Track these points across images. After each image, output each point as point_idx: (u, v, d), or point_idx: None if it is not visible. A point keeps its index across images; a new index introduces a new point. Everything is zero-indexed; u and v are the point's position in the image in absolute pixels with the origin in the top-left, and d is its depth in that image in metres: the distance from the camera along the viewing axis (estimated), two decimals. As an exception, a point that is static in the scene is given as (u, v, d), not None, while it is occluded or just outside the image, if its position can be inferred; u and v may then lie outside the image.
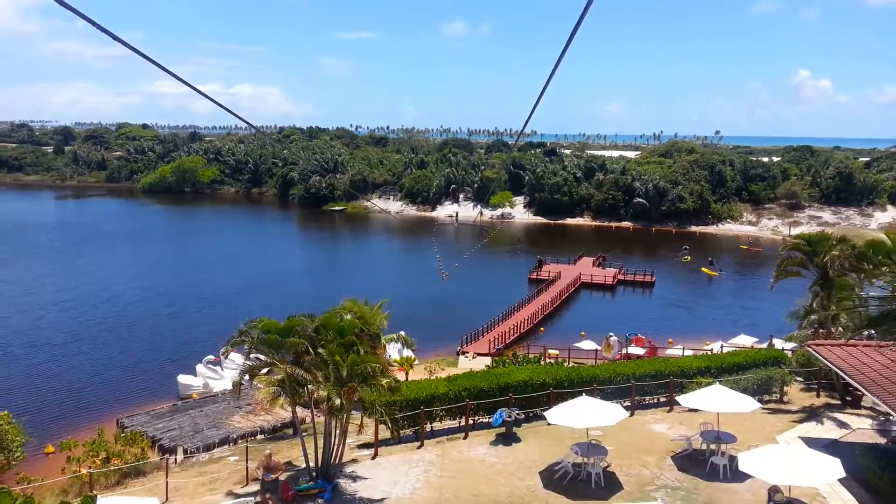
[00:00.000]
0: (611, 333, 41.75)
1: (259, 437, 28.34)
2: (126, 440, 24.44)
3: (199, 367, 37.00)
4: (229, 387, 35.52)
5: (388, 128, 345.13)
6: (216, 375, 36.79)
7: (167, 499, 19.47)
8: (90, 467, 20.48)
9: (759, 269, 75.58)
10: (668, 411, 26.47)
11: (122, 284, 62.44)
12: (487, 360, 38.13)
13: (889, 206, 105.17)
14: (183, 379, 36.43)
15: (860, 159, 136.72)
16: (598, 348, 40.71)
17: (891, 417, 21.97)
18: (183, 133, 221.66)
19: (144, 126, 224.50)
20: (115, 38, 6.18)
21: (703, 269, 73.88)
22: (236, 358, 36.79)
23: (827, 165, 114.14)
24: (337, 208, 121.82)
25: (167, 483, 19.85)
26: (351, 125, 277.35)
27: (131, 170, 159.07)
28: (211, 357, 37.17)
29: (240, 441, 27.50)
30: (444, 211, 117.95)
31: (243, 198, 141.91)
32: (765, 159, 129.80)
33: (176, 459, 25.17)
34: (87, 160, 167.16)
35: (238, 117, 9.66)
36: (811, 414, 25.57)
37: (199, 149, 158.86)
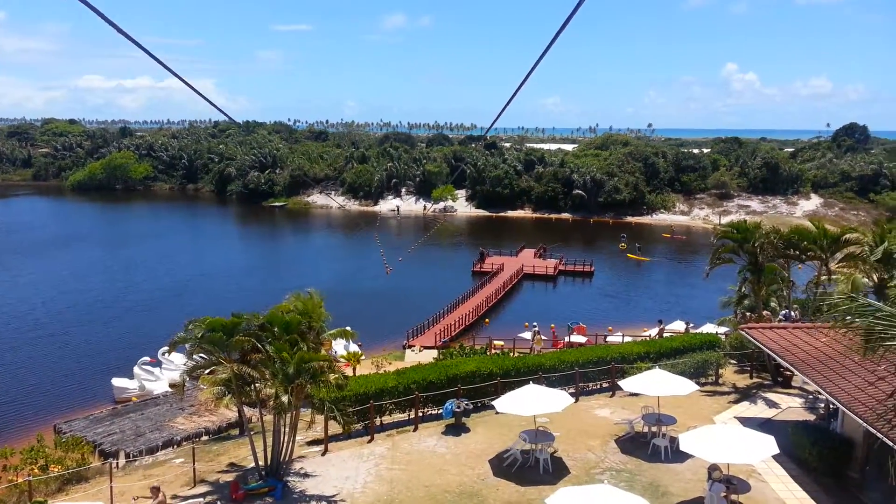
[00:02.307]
0: (534, 324, 42.18)
1: (204, 438, 27.83)
2: (66, 446, 23.62)
3: (136, 370, 36.01)
4: (168, 388, 34.83)
5: (327, 122, 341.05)
6: (152, 377, 35.90)
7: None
8: (28, 475, 19.75)
9: (690, 257, 78.28)
10: (611, 396, 27.27)
11: (54, 289, 59.95)
12: (434, 353, 38.32)
13: (813, 195, 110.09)
14: (117, 382, 35.43)
15: (785, 150, 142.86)
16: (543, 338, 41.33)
17: (819, 396, 23.17)
18: (112, 128, 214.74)
19: (72, 121, 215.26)
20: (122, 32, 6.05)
21: (630, 254, 76.55)
22: (175, 358, 36.08)
23: (754, 156, 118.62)
24: (277, 204, 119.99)
25: (111, 488, 19.33)
26: (289, 119, 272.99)
27: (59, 167, 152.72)
28: (146, 359, 36.25)
29: (184, 443, 26.94)
30: (387, 205, 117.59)
31: (178, 194, 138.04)
32: (696, 151, 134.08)
33: (118, 464, 24.50)
34: (11, 157, 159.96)
35: (218, 109, 9.54)
36: (745, 394, 26.74)
37: (130, 144, 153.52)
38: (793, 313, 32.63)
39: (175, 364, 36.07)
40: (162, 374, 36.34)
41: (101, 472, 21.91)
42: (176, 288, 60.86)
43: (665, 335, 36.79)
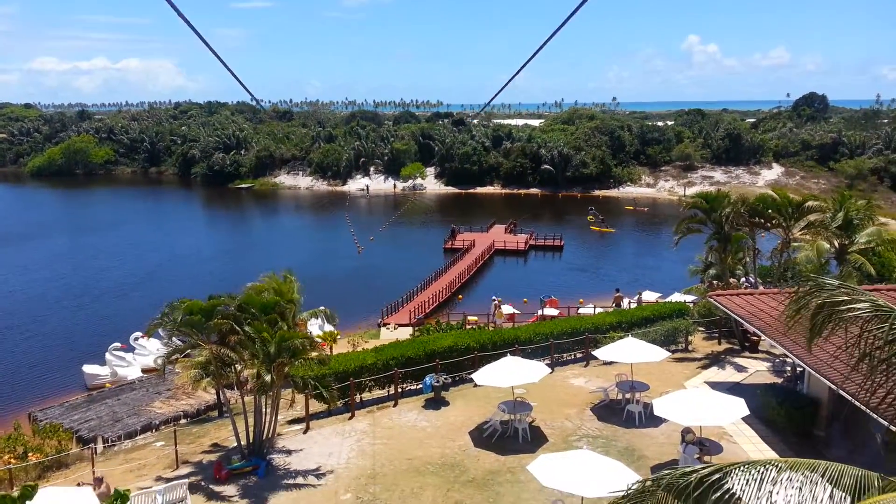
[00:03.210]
0: (494, 297, 42.36)
1: (183, 421, 27.80)
2: (44, 433, 23.44)
3: (108, 356, 35.68)
4: (141, 374, 34.65)
5: (290, 101, 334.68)
6: (125, 363, 35.58)
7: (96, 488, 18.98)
8: (8, 463, 19.65)
9: (656, 228, 79.55)
10: (585, 366, 27.88)
11: (20, 277, 58.71)
12: (409, 331, 38.56)
13: (774, 164, 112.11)
14: (88, 369, 35.04)
15: (747, 120, 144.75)
16: (516, 312, 41.75)
17: (786, 359, 23.97)
18: (70, 112, 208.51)
19: (27, 106, 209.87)
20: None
21: (593, 227, 77.58)
22: (147, 344, 35.90)
23: (717, 127, 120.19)
24: (243, 186, 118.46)
25: (94, 472, 19.32)
26: (252, 99, 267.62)
27: (16, 153, 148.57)
28: (117, 344, 35.88)
29: (163, 427, 26.93)
30: (356, 184, 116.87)
31: (141, 178, 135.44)
32: (660, 123, 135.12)
33: (96, 449, 24.43)
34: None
35: (251, 94, 9.53)
36: (714, 360, 27.56)
37: (89, 128, 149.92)
38: (752, 279, 33.54)
39: (147, 349, 35.86)
40: (134, 359, 36.02)
41: (81, 458, 21.89)
42: (144, 273, 60.02)
43: (632, 305, 37.55)
